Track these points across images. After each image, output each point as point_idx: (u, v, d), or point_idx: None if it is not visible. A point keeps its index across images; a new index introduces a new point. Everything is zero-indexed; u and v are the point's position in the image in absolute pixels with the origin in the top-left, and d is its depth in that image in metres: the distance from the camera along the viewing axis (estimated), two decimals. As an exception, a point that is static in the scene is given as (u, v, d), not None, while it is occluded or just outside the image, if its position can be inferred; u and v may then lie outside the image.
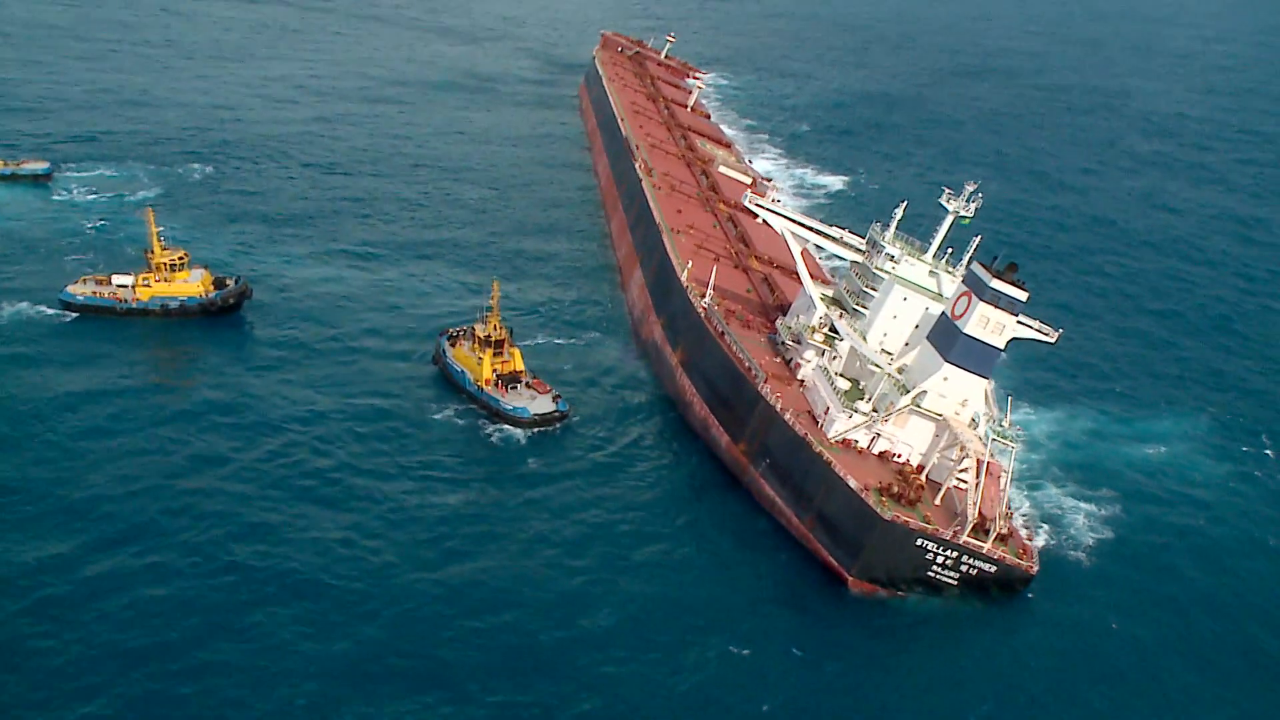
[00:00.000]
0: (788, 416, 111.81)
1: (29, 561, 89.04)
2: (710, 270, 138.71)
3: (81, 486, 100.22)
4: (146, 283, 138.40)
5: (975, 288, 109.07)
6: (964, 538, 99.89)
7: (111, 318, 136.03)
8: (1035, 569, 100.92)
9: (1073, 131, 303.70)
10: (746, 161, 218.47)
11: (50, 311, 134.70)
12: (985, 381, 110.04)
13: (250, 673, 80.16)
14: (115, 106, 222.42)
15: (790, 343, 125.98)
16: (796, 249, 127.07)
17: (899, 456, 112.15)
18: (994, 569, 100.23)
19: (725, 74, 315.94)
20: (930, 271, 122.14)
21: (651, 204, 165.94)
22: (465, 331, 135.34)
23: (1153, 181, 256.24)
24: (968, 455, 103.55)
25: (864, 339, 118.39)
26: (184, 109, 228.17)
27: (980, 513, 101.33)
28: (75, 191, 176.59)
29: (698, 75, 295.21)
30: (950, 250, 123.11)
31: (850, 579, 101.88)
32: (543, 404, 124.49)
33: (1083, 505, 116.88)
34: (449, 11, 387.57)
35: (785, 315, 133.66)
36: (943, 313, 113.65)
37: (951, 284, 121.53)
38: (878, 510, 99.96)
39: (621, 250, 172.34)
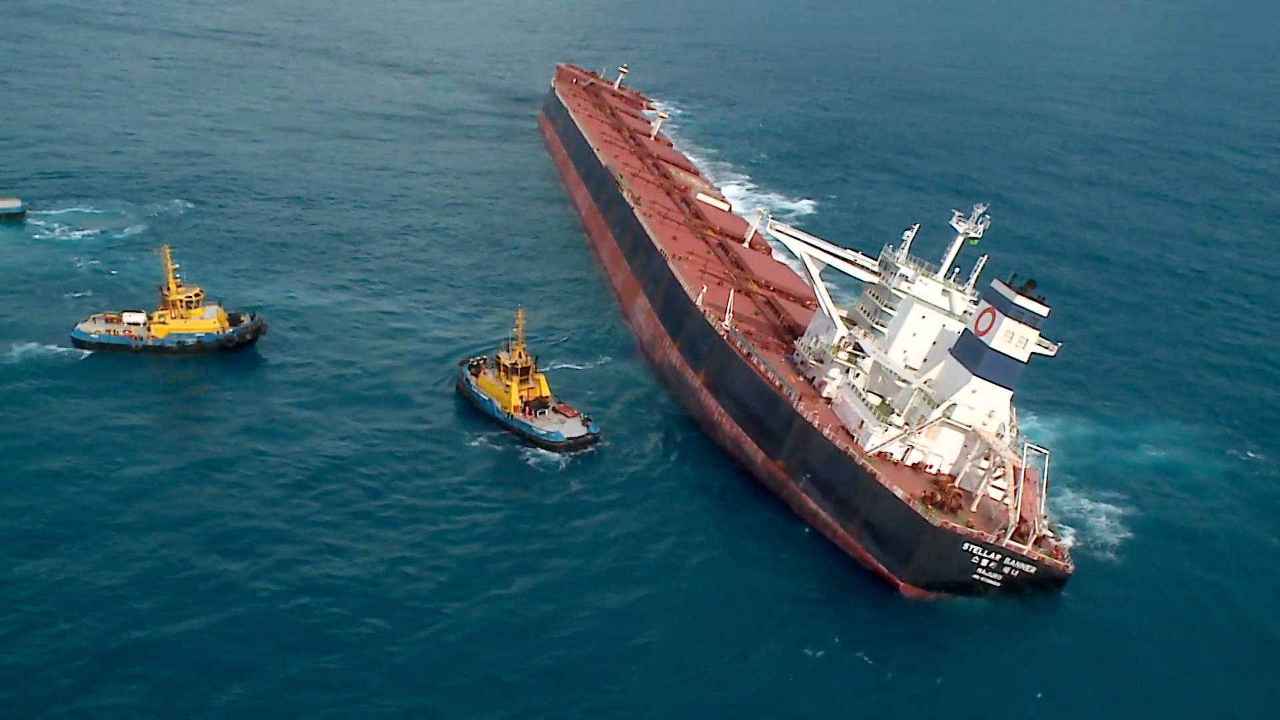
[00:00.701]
0: (827, 432, 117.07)
1: (104, 590, 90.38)
2: (727, 295, 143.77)
3: (145, 521, 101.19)
4: (162, 320, 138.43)
5: (999, 304, 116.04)
6: (1006, 541, 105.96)
7: (126, 355, 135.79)
8: (1071, 568, 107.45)
9: (1011, 151, 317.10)
10: (718, 189, 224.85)
11: (62, 350, 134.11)
12: (1009, 393, 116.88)
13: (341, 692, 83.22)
14: (75, 143, 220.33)
15: (813, 361, 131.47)
16: (815, 271, 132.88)
17: (930, 467, 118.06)
18: (1034, 570, 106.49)
19: (673, 104, 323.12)
20: (943, 290, 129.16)
21: (648, 232, 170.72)
22: (486, 360, 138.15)
23: (1092, 197, 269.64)
24: (1002, 463, 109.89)
25: (886, 356, 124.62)
26: (146, 145, 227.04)
27: (1021, 517, 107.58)
28: (57, 230, 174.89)
29: (652, 105, 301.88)
30: (958, 269, 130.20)
31: (902, 584, 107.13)
32: (574, 428, 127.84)
33: (1101, 507, 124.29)
34: (387, 45, 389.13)
35: (803, 336, 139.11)
36: (965, 329, 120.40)
37: (963, 301, 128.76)
38: (927, 518, 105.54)
39: (618, 277, 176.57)
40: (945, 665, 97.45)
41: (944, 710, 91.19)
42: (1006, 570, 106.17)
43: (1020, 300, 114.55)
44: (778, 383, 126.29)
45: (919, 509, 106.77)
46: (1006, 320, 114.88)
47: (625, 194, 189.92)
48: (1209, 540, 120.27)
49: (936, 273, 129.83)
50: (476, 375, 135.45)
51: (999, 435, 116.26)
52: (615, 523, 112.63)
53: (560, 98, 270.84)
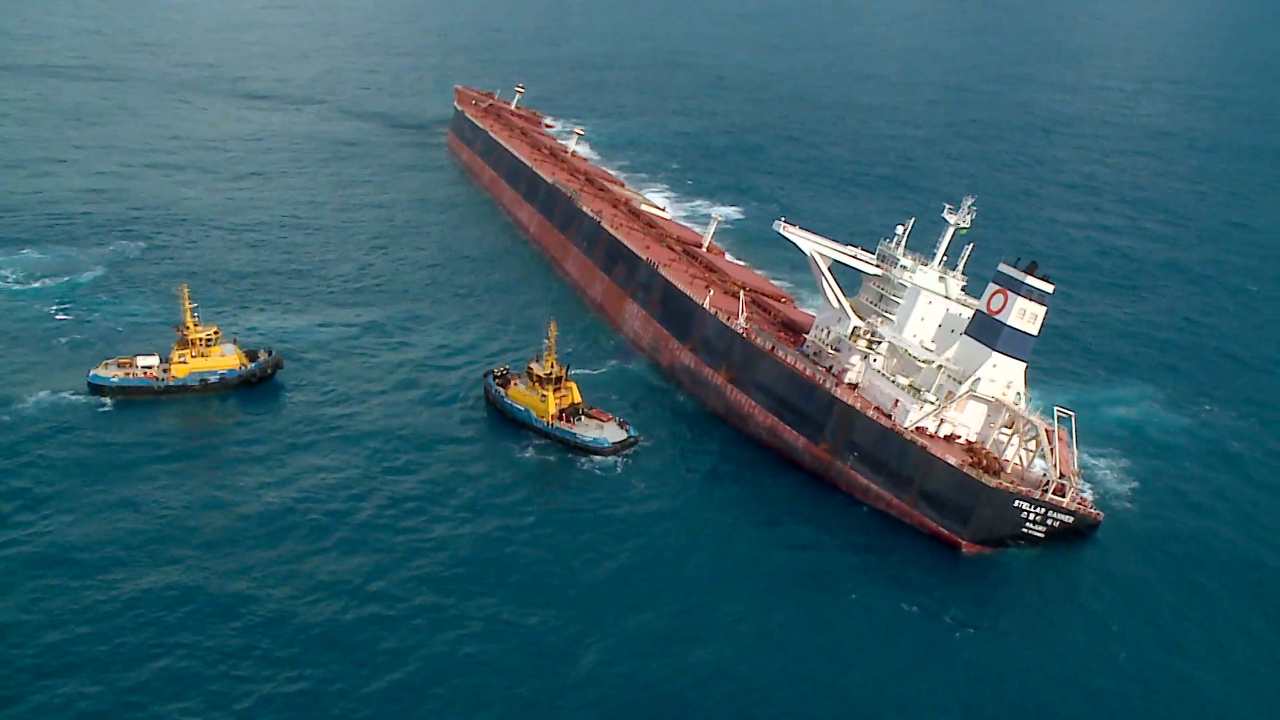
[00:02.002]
0: (870, 413, 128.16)
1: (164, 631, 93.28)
2: (737, 297, 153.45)
3: (224, 559, 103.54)
4: (183, 359, 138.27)
5: (1010, 285, 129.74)
6: (1050, 496, 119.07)
7: (147, 397, 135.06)
8: (1101, 516, 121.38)
9: (887, 138, 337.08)
10: (650, 200, 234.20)
11: (80, 398, 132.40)
12: (1024, 364, 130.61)
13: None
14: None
15: (830, 350, 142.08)
16: (824, 266, 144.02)
17: (959, 438, 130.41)
18: (1072, 519, 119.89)
19: (570, 121, 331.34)
20: (940, 278, 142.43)
21: (626, 243, 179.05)
22: (510, 371, 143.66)
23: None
24: (1034, 427, 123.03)
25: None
26: (61, 186, 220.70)
27: (1061, 473, 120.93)
28: (11, 277, 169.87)
29: (550, 124, 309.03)
30: (945, 257, 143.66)
31: (964, 544, 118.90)
32: (615, 432, 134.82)
33: (1102, 462, 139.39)
34: (248, 75, 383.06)
35: (810, 329, 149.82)
36: (978, 310, 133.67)
37: (957, 286, 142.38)
38: (983, 481, 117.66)
39: (595, 289, 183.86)
40: (1027, 610, 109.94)
41: (1050, 642, 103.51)
42: (1050, 522, 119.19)
43: (1031, 280, 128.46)
44: (809, 371, 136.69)
45: (973, 473, 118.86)
46: (1019, 299, 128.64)
47: (588, 209, 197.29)
48: (1203, 484, 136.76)
49: (930, 262, 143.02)
50: (505, 387, 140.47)
51: (1016, 403, 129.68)
52: (692, 515, 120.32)
53: (473, 120, 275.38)
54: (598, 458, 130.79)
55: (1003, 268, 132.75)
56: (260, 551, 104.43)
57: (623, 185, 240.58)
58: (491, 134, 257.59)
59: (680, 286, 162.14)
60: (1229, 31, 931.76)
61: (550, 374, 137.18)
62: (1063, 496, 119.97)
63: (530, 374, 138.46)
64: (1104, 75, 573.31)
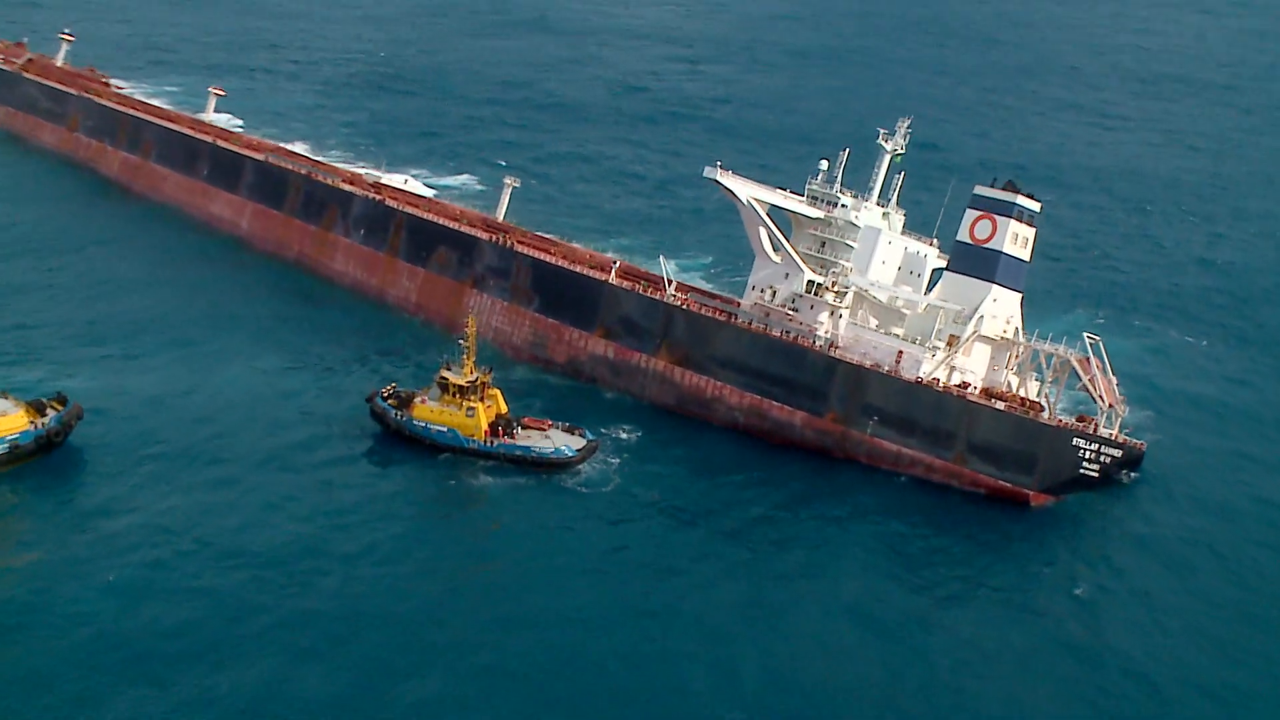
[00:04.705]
0: (885, 370, 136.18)
1: None
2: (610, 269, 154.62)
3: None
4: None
5: (995, 209, 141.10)
6: (1102, 429, 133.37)
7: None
8: (1144, 445, 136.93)
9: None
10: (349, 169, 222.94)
11: None
12: (1020, 295, 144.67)
13: None
14: None
15: (786, 311, 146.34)
16: (762, 212, 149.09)
17: (968, 385, 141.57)
18: (1120, 453, 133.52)
19: (150, 83, 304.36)
20: (884, 214, 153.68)
21: (444, 224, 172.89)
22: (398, 389, 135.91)
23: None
24: (1066, 360, 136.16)
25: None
26: None
27: (1109, 402, 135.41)
28: None
29: (120, 86, 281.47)
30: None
31: (1032, 495, 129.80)
32: (570, 439, 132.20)
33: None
34: None
35: (747, 292, 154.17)
36: (958, 241, 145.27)
37: (900, 221, 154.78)
38: (1041, 420, 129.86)
39: (404, 285, 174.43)
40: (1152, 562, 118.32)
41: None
42: (1102, 459, 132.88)
43: (1021, 200, 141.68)
44: (794, 336, 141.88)
45: (1027, 415, 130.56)
46: (1012, 222, 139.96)
47: (354, 189, 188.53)
48: (1215, 407, 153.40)
49: (868, 198, 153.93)
50: (406, 408, 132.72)
51: (1014, 339, 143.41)
52: (716, 518, 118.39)
53: (53, 83, 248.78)
54: (581, 472, 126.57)
55: (980, 190, 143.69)
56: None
57: (325, 163, 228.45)
58: (106, 102, 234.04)
59: (565, 265, 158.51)
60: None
61: (475, 381, 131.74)
62: (1111, 428, 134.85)
63: (445, 385, 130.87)
64: None
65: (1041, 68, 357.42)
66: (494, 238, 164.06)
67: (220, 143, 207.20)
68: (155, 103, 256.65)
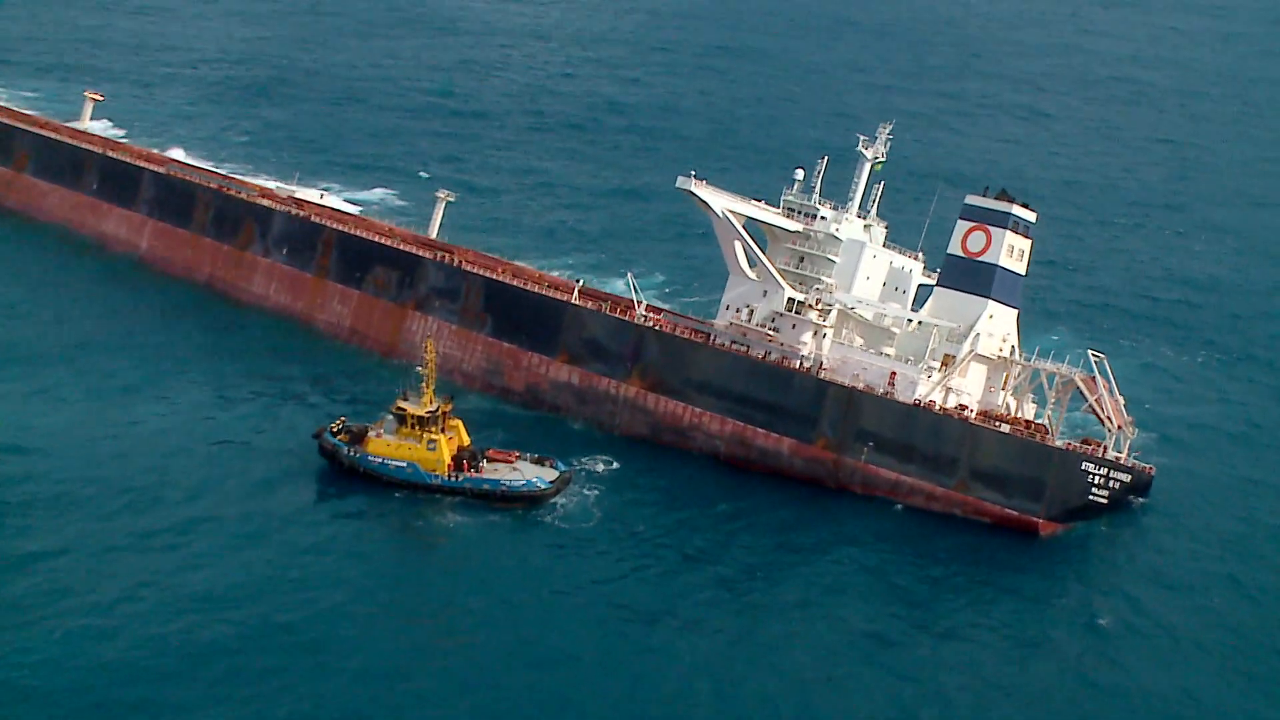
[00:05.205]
0: (879, 393, 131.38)
1: None
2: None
3: None
4: None
5: (989, 220, 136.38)
6: (1111, 452, 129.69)
7: None
8: (1153, 469, 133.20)
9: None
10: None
11: None
12: (1017, 311, 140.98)
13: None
14: None
15: (766, 331, 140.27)
16: (738, 225, 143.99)
17: (965, 407, 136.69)
18: (1129, 478, 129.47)
19: (5, 84, 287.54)
20: (866, 226, 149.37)
21: (380, 242, 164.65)
22: (347, 424, 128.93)
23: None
24: (1070, 379, 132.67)
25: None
26: None
27: (1118, 424, 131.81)
28: None
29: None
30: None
31: (1042, 524, 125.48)
32: (539, 471, 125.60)
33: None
34: None
35: (721, 312, 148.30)
36: (950, 255, 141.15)
37: (881, 235, 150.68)
38: (1047, 444, 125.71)
39: (335, 308, 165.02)
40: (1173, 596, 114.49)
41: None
42: (1112, 484, 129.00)
43: (1017, 210, 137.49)
44: (779, 358, 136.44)
45: (1033, 438, 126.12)
46: (1007, 234, 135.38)
47: (272, 204, 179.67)
48: (1216, 427, 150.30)
49: (848, 210, 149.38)
50: (359, 443, 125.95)
51: (1011, 358, 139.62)
52: (711, 556, 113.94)
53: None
54: (562, 507, 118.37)
55: (973, 200, 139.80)
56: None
57: (233, 176, 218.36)
58: (25, 127, 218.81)
59: (522, 286, 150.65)
60: None
61: (435, 411, 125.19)
62: (1120, 451, 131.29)
63: (403, 416, 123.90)
64: None
65: (989, 72, 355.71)
66: (439, 256, 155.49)
67: (111, 153, 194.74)
68: (16, 108, 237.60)
